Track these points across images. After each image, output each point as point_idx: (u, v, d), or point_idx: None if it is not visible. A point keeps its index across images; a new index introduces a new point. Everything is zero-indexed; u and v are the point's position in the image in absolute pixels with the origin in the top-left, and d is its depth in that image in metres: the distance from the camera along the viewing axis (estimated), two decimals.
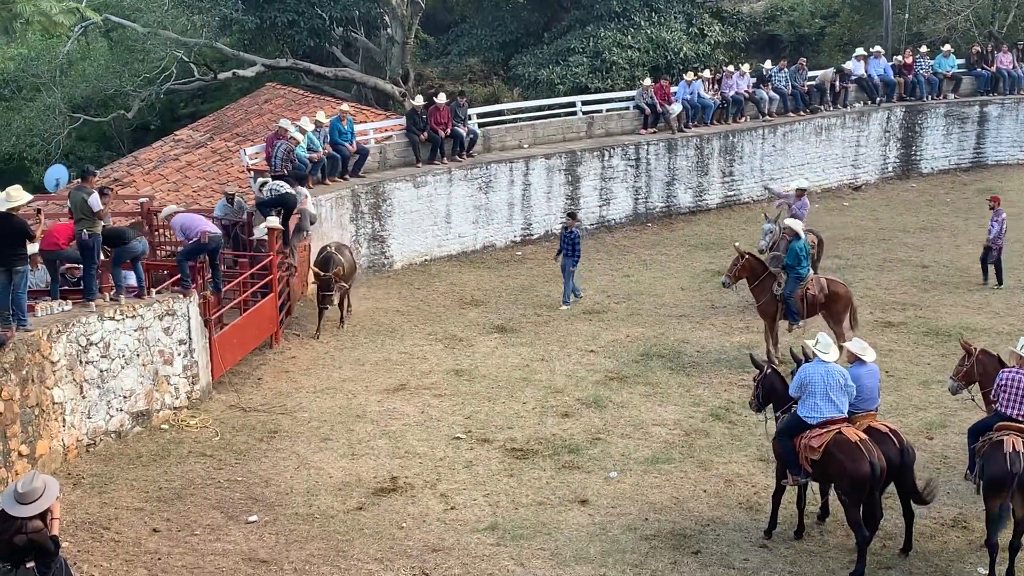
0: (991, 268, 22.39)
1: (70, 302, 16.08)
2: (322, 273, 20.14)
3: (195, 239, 17.50)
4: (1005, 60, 33.90)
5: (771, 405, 13.72)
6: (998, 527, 12.25)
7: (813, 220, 23.96)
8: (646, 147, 29.44)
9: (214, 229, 17.92)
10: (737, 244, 19.71)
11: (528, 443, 16.00)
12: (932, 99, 33.25)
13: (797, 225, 19.20)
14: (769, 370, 13.87)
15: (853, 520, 12.45)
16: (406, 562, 12.80)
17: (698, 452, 15.64)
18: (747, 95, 31.03)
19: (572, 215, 22.73)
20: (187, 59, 37.84)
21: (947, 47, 34.13)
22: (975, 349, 14.56)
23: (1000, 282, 22.35)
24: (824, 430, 12.38)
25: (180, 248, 18.08)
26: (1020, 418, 12.42)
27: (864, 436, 12.30)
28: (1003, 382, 12.71)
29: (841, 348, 13.77)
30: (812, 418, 12.50)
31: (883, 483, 12.32)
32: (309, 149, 23.99)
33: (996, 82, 33.73)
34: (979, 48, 34.47)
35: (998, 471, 12.11)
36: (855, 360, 13.24)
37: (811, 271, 19.21)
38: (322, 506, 14.25)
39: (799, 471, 12.72)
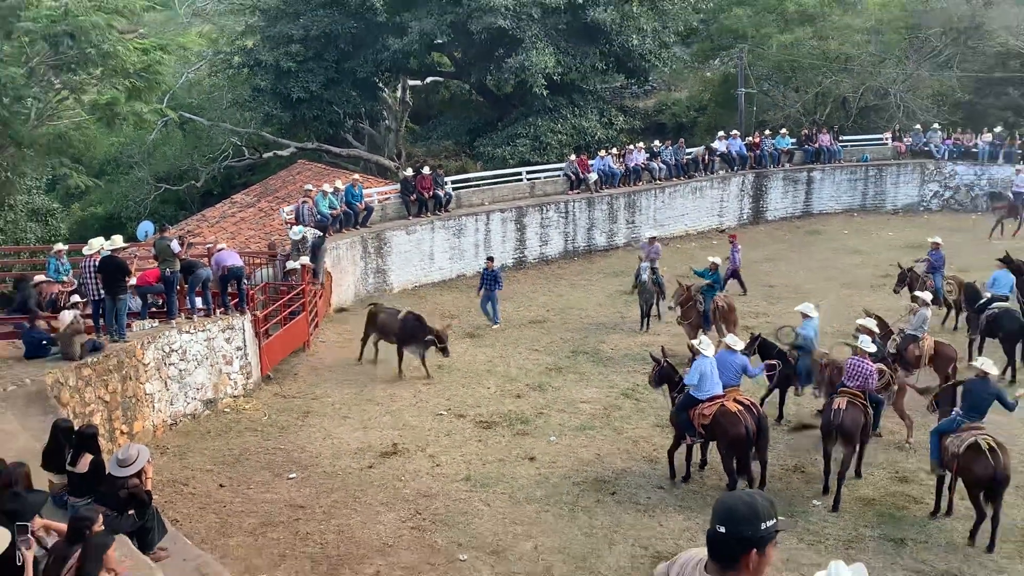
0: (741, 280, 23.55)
1: (157, 321, 16.05)
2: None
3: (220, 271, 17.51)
4: (824, 139, 34.29)
5: (666, 386, 13.76)
6: (829, 465, 12.68)
7: (690, 256, 24.14)
8: (572, 204, 29.47)
9: (236, 263, 17.75)
10: (679, 280, 20.00)
11: (491, 417, 16.01)
12: (773, 168, 33.55)
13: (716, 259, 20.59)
14: (664, 363, 13.79)
15: (728, 469, 12.57)
16: (404, 505, 12.78)
17: (613, 421, 15.71)
18: (643, 166, 31.17)
19: (490, 259, 22.31)
20: (240, 143, 37.82)
21: (783, 130, 34.56)
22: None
23: (744, 291, 23.22)
24: (712, 403, 12.49)
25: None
26: (853, 388, 12.74)
27: (741, 407, 12.41)
28: (848, 366, 13.04)
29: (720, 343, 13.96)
30: (703, 394, 12.60)
31: (754, 443, 12.44)
32: (330, 207, 24.01)
33: (818, 155, 34.10)
34: (806, 131, 34.91)
35: (824, 422, 12.65)
36: (728, 349, 13.39)
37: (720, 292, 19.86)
38: (342, 466, 14.19)
39: (695, 433, 12.80)
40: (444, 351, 17.90)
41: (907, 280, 20.09)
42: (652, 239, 22.86)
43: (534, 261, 28.71)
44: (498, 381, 17.76)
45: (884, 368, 13.94)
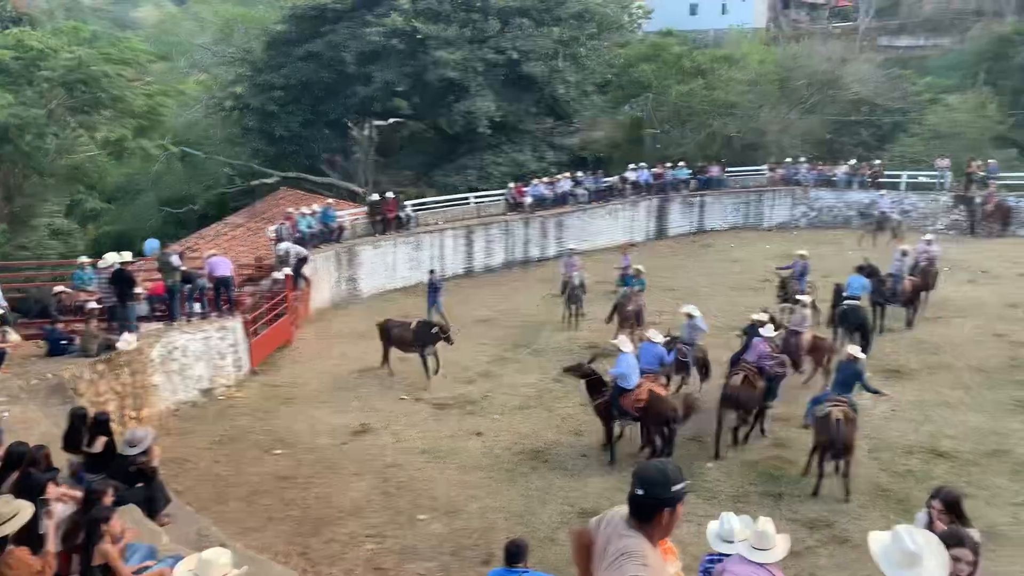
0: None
1: (162, 323, 15.69)
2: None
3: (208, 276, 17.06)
4: (714, 170, 34.75)
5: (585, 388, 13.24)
6: (721, 428, 13.00)
7: (607, 265, 24.29)
8: (512, 223, 29.49)
9: (225, 273, 17.29)
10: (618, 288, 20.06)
11: (445, 400, 15.92)
12: (674, 193, 33.88)
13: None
14: (592, 373, 13.17)
15: (652, 440, 12.62)
16: (373, 474, 12.65)
17: (546, 401, 15.71)
18: (569, 192, 31.30)
19: (432, 271, 22.01)
20: (232, 173, 37.17)
21: (681, 163, 34.87)
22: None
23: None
24: (641, 389, 12.42)
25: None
26: (751, 364, 13.24)
27: (665, 392, 12.59)
28: (751, 345, 13.48)
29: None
30: (631, 384, 12.46)
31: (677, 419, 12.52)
32: (309, 226, 23.71)
33: (709, 183, 34.55)
34: (700, 164, 35.31)
35: (723, 391, 12.92)
36: (649, 341, 13.55)
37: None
38: (321, 443, 13.99)
39: (629, 418, 12.70)
40: (449, 340, 17.07)
41: (785, 287, 20.36)
42: (572, 250, 22.93)
43: (480, 270, 28.65)
44: (451, 370, 17.61)
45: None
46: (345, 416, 15.17)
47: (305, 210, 24.32)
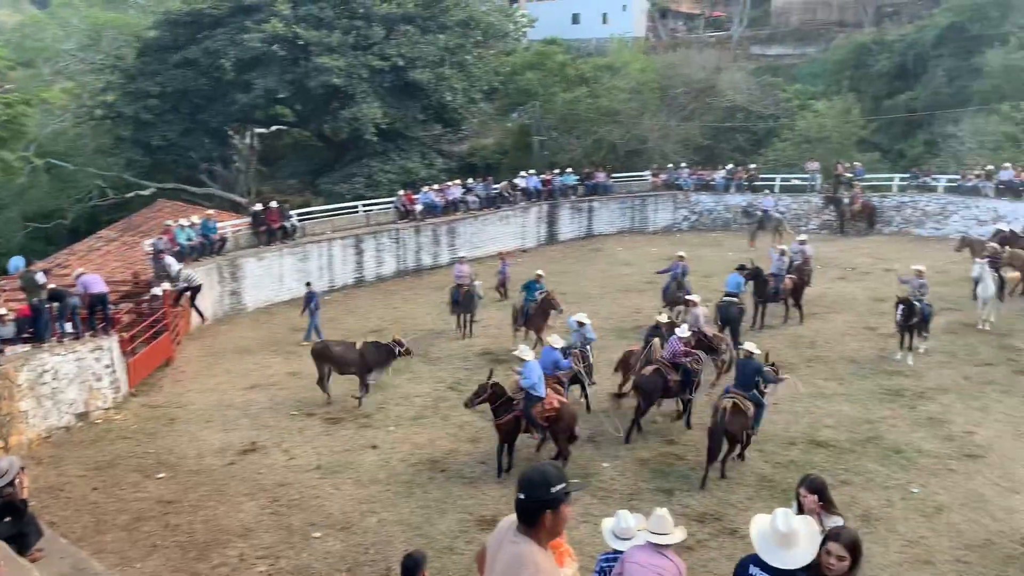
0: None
1: (30, 345, 14.74)
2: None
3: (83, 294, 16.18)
4: (600, 176, 35.55)
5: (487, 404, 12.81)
6: (637, 416, 13.84)
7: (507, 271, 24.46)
8: (402, 231, 29.25)
9: (100, 290, 16.42)
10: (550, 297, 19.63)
11: (339, 414, 15.57)
12: (563, 199, 34.45)
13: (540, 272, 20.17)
14: (491, 388, 12.67)
15: (564, 447, 12.64)
16: (263, 494, 12.24)
17: (442, 410, 15.59)
18: (460, 199, 31.35)
19: (309, 284, 21.43)
20: (104, 185, 35.44)
21: (569, 169, 35.53)
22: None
23: (504, 297, 23.18)
24: (550, 398, 12.43)
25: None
26: (667, 359, 13.93)
27: (568, 400, 12.70)
28: (668, 343, 14.19)
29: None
30: (542, 392, 12.39)
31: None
32: (188, 239, 22.85)
33: (596, 189, 35.30)
34: (587, 170, 36.03)
35: (635, 382, 13.88)
36: (547, 345, 13.75)
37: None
38: (207, 464, 13.44)
39: (541, 429, 12.59)
40: (408, 352, 16.24)
41: (679, 288, 20.84)
42: (460, 259, 22.91)
43: (372, 280, 28.28)
44: (343, 383, 17.29)
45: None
46: (233, 435, 14.64)
47: (184, 222, 23.43)
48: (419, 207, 29.88)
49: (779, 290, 20.36)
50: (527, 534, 3.57)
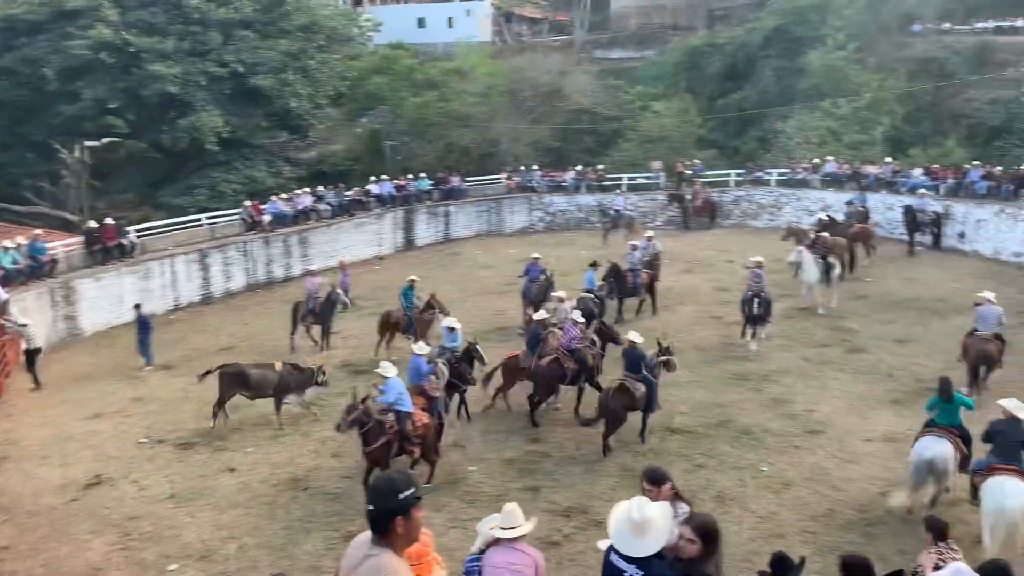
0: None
1: None
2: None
3: None
4: (455, 180, 35.68)
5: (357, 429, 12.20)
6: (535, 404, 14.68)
7: (356, 280, 24.04)
8: (251, 243, 28.23)
9: None
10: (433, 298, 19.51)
11: (191, 439, 14.84)
12: (418, 204, 34.29)
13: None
14: (361, 408, 12.08)
15: (432, 460, 12.49)
16: (112, 529, 11.51)
17: (301, 427, 15.16)
18: (311, 207, 30.65)
19: (137, 305, 20.24)
20: None
21: (423, 174, 35.41)
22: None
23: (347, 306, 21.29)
24: (418, 415, 12.26)
25: None
26: (565, 346, 14.73)
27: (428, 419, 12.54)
28: (565, 330, 15.12)
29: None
30: (409, 405, 12.15)
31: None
32: (13, 262, 21.17)
33: (452, 193, 35.40)
34: (442, 174, 36.03)
35: (533, 371, 14.73)
36: (415, 354, 13.73)
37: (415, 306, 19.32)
38: (46, 503, 12.49)
39: (412, 444, 12.26)
40: (325, 384, 15.47)
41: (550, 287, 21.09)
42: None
43: (220, 295, 27.11)
44: (194, 406, 16.42)
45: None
46: (74, 469, 13.67)
47: (8, 243, 21.69)
48: (268, 217, 28.97)
49: (638, 284, 21.19)
50: (382, 544, 3.67)
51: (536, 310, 18.38)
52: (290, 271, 29.17)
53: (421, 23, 53.40)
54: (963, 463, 10.50)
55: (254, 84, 33.18)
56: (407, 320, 19.03)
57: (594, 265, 20.54)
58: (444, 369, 14.25)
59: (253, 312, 25.15)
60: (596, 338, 15.93)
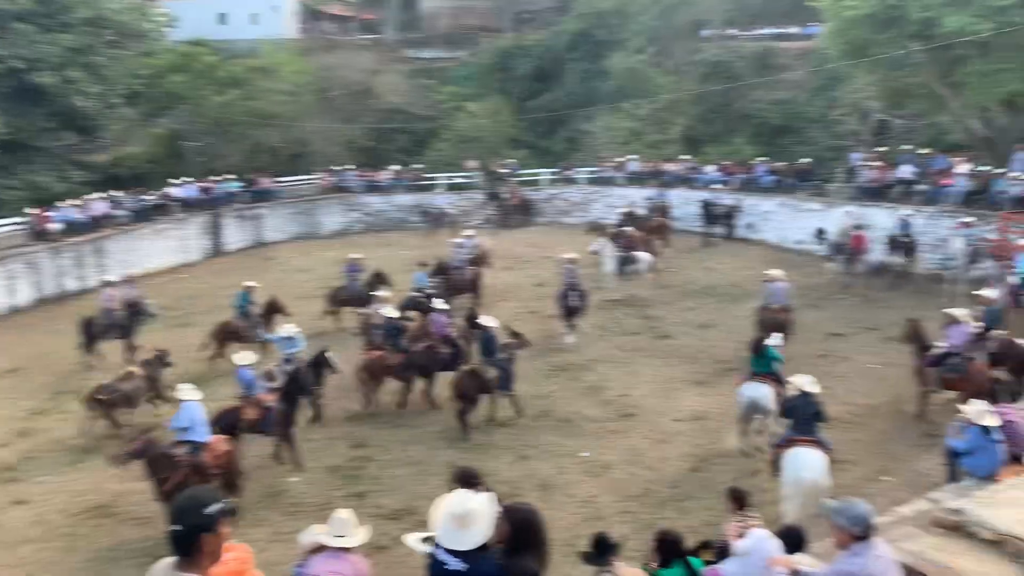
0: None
1: None
2: None
3: None
4: (265, 182, 34.43)
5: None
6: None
7: (160, 291, 22.66)
8: (38, 254, 25.83)
9: None
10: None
11: None
12: (226, 208, 32.85)
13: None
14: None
15: (237, 488, 11.61)
16: None
17: (106, 450, 14.03)
18: (106, 214, 28.55)
19: None
20: None
21: (231, 176, 33.96)
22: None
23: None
24: (217, 444, 11.38)
25: None
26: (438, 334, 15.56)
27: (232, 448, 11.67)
28: (433, 320, 16.00)
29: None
30: (202, 436, 11.19)
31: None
32: None
33: (262, 195, 34.12)
34: (250, 176, 34.66)
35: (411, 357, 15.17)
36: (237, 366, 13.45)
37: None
38: None
39: (211, 475, 11.17)
40: None
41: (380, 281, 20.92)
42: (110, 283, 20.81)
43: (5, 313, 24.63)
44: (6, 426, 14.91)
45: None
46: None
47: None
48: (57, 225, 26.67)
49: (466, 282, 21.59)
50: (187, 567, 3.55)
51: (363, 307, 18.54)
52: (85, 283, 26.94)
53: (222, 19, 50.94)
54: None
55: (34, 81, 30.48)
56: (249, 329, 18.41)
57: (423, 265, 20.85)
58: (279, 375, 13.76)
59: (44, 329, 22.99)
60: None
